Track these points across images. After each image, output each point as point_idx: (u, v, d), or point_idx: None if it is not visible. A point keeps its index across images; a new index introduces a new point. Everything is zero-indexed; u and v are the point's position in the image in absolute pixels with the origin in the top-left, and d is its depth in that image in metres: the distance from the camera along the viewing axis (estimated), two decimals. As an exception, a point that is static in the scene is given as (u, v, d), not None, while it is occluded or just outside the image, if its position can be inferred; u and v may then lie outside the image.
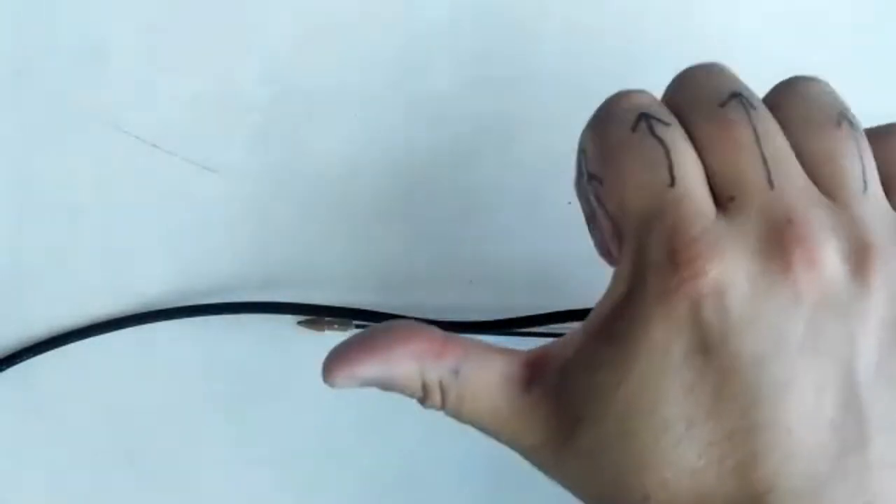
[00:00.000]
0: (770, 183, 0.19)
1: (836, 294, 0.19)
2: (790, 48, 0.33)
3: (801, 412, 0.19)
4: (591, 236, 0.23)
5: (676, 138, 0.20)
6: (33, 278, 0.31)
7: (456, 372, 0.21)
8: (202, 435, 0.31)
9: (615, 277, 0.21)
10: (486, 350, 0.22)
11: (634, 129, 0.20)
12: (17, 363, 0.30)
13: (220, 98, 0.32)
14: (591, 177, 0.21)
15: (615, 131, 0.21)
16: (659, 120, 0.20)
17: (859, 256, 0.19)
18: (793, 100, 0.21)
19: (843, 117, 0.20)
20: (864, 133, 0.21)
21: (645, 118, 0.20)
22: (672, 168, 0.20)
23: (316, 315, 0.31)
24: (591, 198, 0.22)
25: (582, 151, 0.22)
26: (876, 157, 0.21)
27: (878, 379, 0.20)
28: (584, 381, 0.21)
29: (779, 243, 0.19)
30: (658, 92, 0.22)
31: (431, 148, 0.31)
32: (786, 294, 0.19)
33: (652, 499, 0.20)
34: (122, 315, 0.31)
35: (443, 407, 0.22)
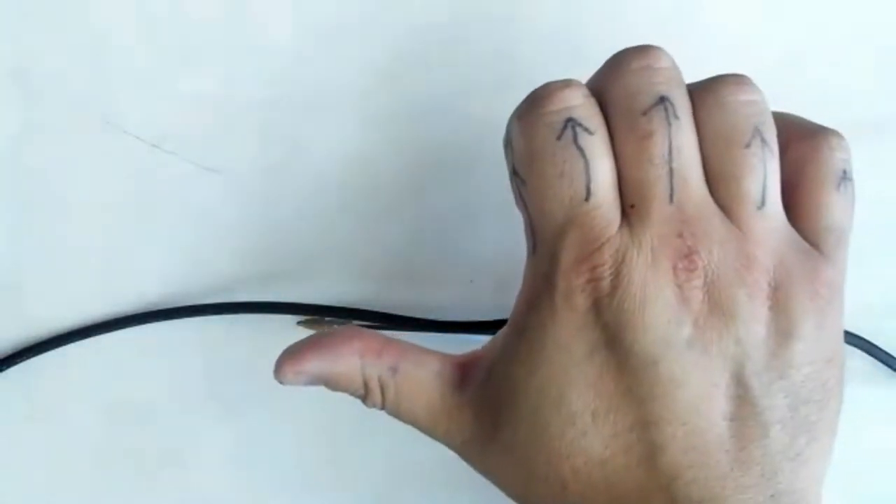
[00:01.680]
0: (671, 197, 0.21)
1: (721, 300, 0.21)
2: (787, 43, 0.33)
3: (695, 407, 0.21)
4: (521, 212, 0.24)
5: (597, 150, 0.21)
6: (33, 278, 0.31)
7: (394, 370, 0.23)
8: (202, 435, 0.31)
9: (529, 276, 0.23)
10: (423, 352, 0.24)
11: (560, 136, 0.21)
12: (17, 363, 0.30)
13: (220, 98, 0.32)
14: (516, 173, 0.23)
15: (541, 136, 0.22)
16: (585, 128, 0.22)
17: (744, 266, 0.21)
18: (713, 110, 0.22)
19: (756, 133, 0.22)
20: (774, 149, 0.22)
21: (571, 125, 0.22)
22: (589, 183, 0.21)
23: (316, 315, 0.31)
24: (515, 192, 0.23)
25: (508, 143, 0.23)
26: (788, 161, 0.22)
27: (769, 375, 0.21)
28: (503, 375, 0.22)
29: (670, 253, 0.21)
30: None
31: (431, 148, 0.31)
32: (674, 300, 0.21)
33: (569, 488, 0.21)
34: (122, 315, 0.31)
35: (383, 406, 0.24)
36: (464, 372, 0.24)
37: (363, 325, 0.30)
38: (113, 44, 0.32)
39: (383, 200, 0.32)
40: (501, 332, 0.24)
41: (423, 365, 0.24)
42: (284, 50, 0.32)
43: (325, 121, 0.32)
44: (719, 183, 0.22)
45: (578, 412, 0.21)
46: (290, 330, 0.31)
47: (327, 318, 0.31)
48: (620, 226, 0.21)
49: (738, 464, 0.21)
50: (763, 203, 0.22)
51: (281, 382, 0.23)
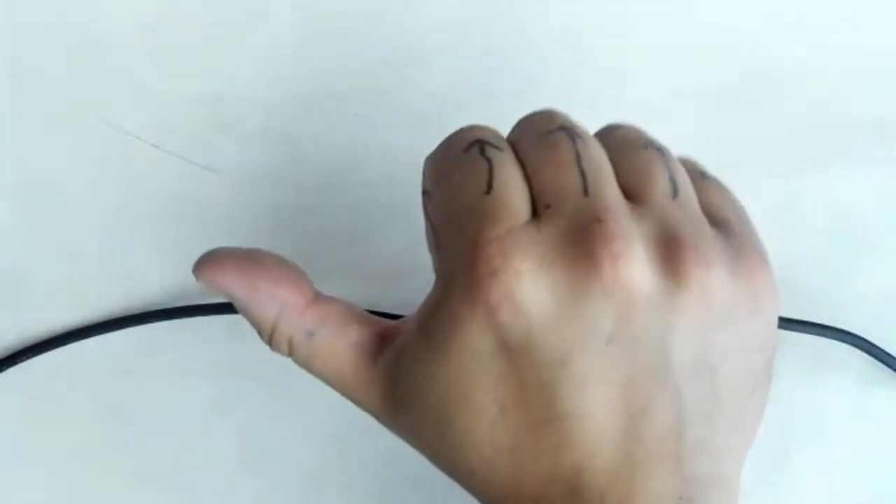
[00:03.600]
0: (585, 191, 0.21)
1: (646, 289, 0.20)
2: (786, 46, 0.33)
3: (606, 403, 0.20)
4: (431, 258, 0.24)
5: (503, 158, 0.21)
6: (33, 278, 0.31)
7: (311, 334, 0.23)
8: (202, 435, 0.31)
9: (432, 293, 0.22)
10: (346, 316, 0.23)
11: (466, 150, 0.22)
12: (17, 363, 0.30)
13: (220, 98, 0.32)
14: (424, 192, 0.23)
15: (449, 153, 0.22)
16: (492, 145, 0.22)
17: (670, 253, 0.20)
18: (612, 132, 0.23)
19: (650, 142, 0.22)
20: (671, 153, 0.22)
21: (479, 143, 0.22)
22: (491, 179, 0.21)
23: (316, 315, 0.31)
24: (424, 209, 0.23)
25: (423, 174, 0.23)
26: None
27: (695, 369, 0.20)
28: (408, 370, 0.22)
29: (587, 242, 0.20)
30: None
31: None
32: (594, 291, 0.19)
33: (476, 474, 0.21)
34: (122, 315, 0.31)
35: (290, 356, 0.23)
36: (382, 343, 0.23)
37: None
38: (113, 44, 0.32)
39: (383, 200, 0.32)
40: (409, 325, 0.22)
41: (342, 334, 0.23)
42: (284, 50, 0.32)
43: (325, 121, 0.32)
44: (631, 180, 0.22)
45: (486, 406, 0.21)
46: (290, 330, 0.31)
47: (327, 318, 0.31)
48: (529, 220, 0.20)
49: (650, 456, 0.20)
50: (676, 192, 0.21)
51: (196, 279, 0.23)
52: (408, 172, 0.32)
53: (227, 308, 0.31)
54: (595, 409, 0.20)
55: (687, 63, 0.32)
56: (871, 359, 0.32)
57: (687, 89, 0.32)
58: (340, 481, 0.31)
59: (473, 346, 0.20)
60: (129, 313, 0.31)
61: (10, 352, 0.31)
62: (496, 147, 0.22)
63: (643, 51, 0.33)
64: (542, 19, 0.33)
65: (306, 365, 0.23)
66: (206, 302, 0.31)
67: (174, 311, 0.31)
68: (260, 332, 0.23)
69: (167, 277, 0.31)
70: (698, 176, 0.23)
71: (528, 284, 0.20)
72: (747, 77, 0.33)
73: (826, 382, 0.32)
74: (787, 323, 0.31)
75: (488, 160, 0.21)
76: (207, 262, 0.23)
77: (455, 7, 0.32)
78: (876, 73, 0.33)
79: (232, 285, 0.23)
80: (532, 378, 0.20)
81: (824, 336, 0.32)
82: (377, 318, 0.24)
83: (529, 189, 0.21)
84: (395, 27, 0.32)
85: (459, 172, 0.22)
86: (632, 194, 0.21)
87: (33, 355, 0.31)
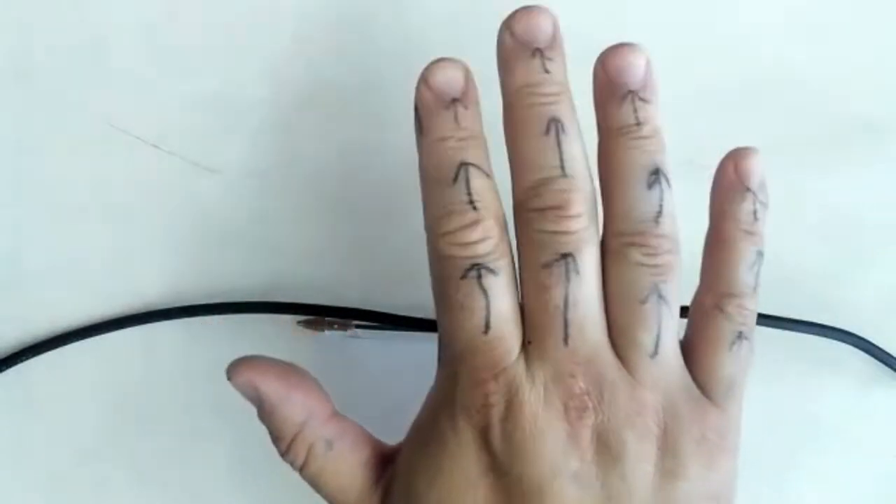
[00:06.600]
0: (565, 341, 0.23)
1: (610, 440, 0.22)
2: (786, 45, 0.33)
3: None
4: None
5: (499, 289, 0.23)
6: (33, 278, 0.31)
7: (330, 444, 0.25)
8: (202, 435, 0.31)
9: (432, 394, 0.25)
10: (360, 434, 0.25)
11: (464, 276, 0.23)
12: (17, 363, 0.30)
13: (220, 98, 0.32)
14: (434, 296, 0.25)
15: (447, 273, 0.23)
16: (489, 270, 0.23)
17: (634, 410, 0.23)
18: (619, 267, 0.24)
19: (654, 290, 0.23)
20: (673, 304, 0.24)
21: (476, 268, 0.23)
22: (489, 318, 0.23)
23: (316, 315, 0.31)
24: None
25: (429, 262, 0.24)
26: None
27: None
28: (406, 482, 0.24)
29: (561, 392, 0.23)
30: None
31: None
32: (563, 435, 0.22)
33: None
34: (122, 315, 0.31)
35: (301, 468, 0.25)
36: (384, 465, 0.25)
37: (363, 326, 0.30)
38: (113, 44, 0.32)
39: (383, 200, 0.32)
40: (409, 435, 0.25)
41: (357, 450, 0.25)
42: (284, 50, 0.32)
43: (324, 121, 0.32)
44: (617, 333, 0.24)
45: None
46: (290, 330, 0.31)
47: (327, 318, 0.31)
48: (518, 357, 0.23)
49: None
50: (656, 353, 0.23)
51: (228, 378, 0.25)
52: (408, 172, 0.32)
53: (227, 308, 0.31)
54: None
55: (687, 63, 0.32)
56: (871, 359, 0.32)
57: (687, 89, 0.32)
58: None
59: (464, 463, 0.23)
60: (129, 313, 0.31)
61: (10, 352, 0.31)
62: (493, 272, 0.23)
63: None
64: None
65: (316, 476, 0.25)
66: (206, 302, 0.31)
67: (174, 311, 0.31)
68: (281, 437, 0.25)
69: (167, 277, 0.31)
70: (725, 348, 0.24)
71: (515, 417, 0.22)
72: (747, 77, 0.33)
73: (826, 382, 0.32)
74: (787, 323, 0.31)
75: (485, 294, 0.23)
76: (245, 366, 0.25)
77: (456, 6, 0.32)
78: (876, 73, 0.33)
79: (269, 389, 0.24)
80: (514, 498, 0.23)
81: (824, 336, 0.31)
82: (379, 440, 0.26)
83: (521, 310, 0.23)
84: (395, 27, 0.32)
85: (458, 302, 0.23)
86: (614, 341, 0.23)
87: (33, 355, 0.31)
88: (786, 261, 0.33)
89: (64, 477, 0.31)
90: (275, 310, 0.31)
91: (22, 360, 0.30)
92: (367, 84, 0.32)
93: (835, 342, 0.32)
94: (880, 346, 0.32)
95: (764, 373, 0.32)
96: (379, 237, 0.32)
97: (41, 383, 0.31)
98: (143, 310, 0.31)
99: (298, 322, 0.31)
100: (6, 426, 0.31)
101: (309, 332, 0.31)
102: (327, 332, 0.31)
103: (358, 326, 0.30)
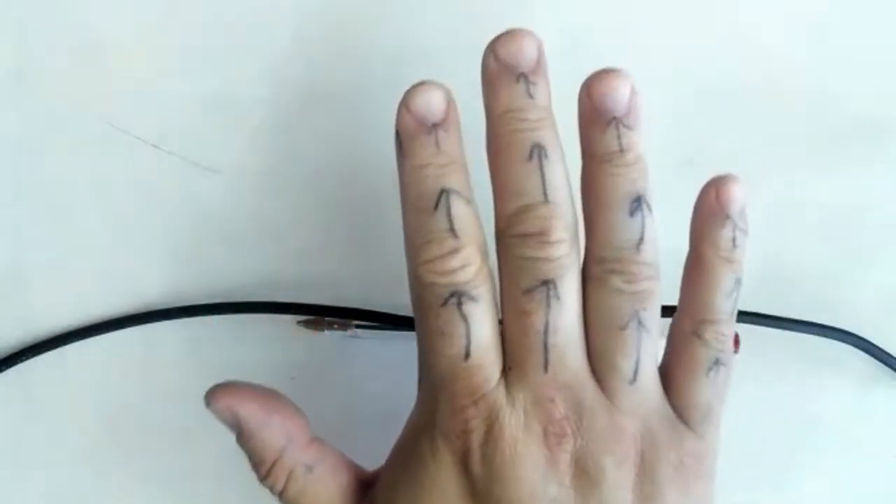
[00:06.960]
0: (545, 367, 0.23)
1: (588, 465, 0.23)
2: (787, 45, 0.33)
3: None
4: None
5: (479, 315, 0.23)
6: (33, 278, 0.31)
7: (310, 469, 0.25)
8: (202, 435, 0.31)
9: (413, 417, 0.25)
10: (340, 459, 0.25)
11: (445, 304, 0.23)
12: (17, 363, 0.30)
13: (219, 98, 0.32)
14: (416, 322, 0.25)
15: (427, 300, 0.23)
16: (470, 297, 0.23)
17: (612, 436, 0.23)
18: (599, 294, 0.24)
19: (634, 317, 0.23)
20: (652, 330, 0.24)
21: (456, 296, 0.23)
22: (469, 345, 0.23)
23: (316, 315, 0.31)
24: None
25: (409, 288, 0.25)
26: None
27: None
28: (387, 500, 0.24)
29: (541, 417, 0.23)
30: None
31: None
32: (542, 460, 0.23)
33: None
34: (122, 315, 0.31)
35: (281, 493, 0.25)
36: (363, 489, 0.25)
37: (363, 326, 0.30)
38: (113, 44, 0.32)
39: (383, 200, 0.32)
40: (389, 458, 0.25)
41: (336, 475, 0.25)
42: (284, 50, 0.32)
43: (324, 121, 0.32)
44: (596, 359, 0.24)
45: None
46: (290, 330, 0.31)
47: (327, 318, 0.31)
48: (498, 382, 0.23)
49: None
50: (635, 379, 0.23)
51: (207, 404, 0.25)
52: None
53: (227, 308, 0.31)
54: None
55: (687, 63, 0.32)
56: (871, 359, 0.32)
57: (687, 89, 0.32)
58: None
59: (444, 484, 0.23)
60: (129, 313, 0.31)
61: (10, 352, 0.31)
62: (473, 300, 0.23)
63: (643, 51, 0.33)
64: (542, 19, 0.33)
65: (295, 501, 0.25)
66: (206, 302, 0.31)
67: (174, 311, 0.31)
68: (260, 462, 0.25)
69: (167, 277, 0.31)
70: (702, 373, 0.24)
71: (495, 442, 0.23)
72: (747, 77, 0.33)
73: (826, 382, 0.32)
74: (787, 323, 0.31)
75: (465, 320, 0.23)
76: (223, 391, 0.25)
77: (456, 7, 0.32)
78: (876, 73, 0.33)
79: (248, 414, 0.24)
80: None
81: (824, 336, 0.32)
82: (358, 465, 0.26)
83: (502, 336, 0.24)
84: (395, 27, 0.32)
85: (441, 336, 0.23)
86: (594, 366, 0.24)
87: (33, 355, 0.31)
88: (786, 261, 0.33)
89: (64, 477, 0.31)
90: (275, 310, 0.31)
91: (22, 360, 0.30)
92: (368, 84, 0.32)
93: (835, 342, 0.32)
94: (880, 346, 0.32)
95: (764, 373, 0.32)
96: (379, 237, 0.32)
97: (41, 383, 0.31)
98: (143, 310, 0.31)
99: (298, 322, 0.31)
100: (6, 426, 0.31)
101: (309, 332, 0.31)
102: (327, 332, 0.31)
103: (358, 326, 0.30)
